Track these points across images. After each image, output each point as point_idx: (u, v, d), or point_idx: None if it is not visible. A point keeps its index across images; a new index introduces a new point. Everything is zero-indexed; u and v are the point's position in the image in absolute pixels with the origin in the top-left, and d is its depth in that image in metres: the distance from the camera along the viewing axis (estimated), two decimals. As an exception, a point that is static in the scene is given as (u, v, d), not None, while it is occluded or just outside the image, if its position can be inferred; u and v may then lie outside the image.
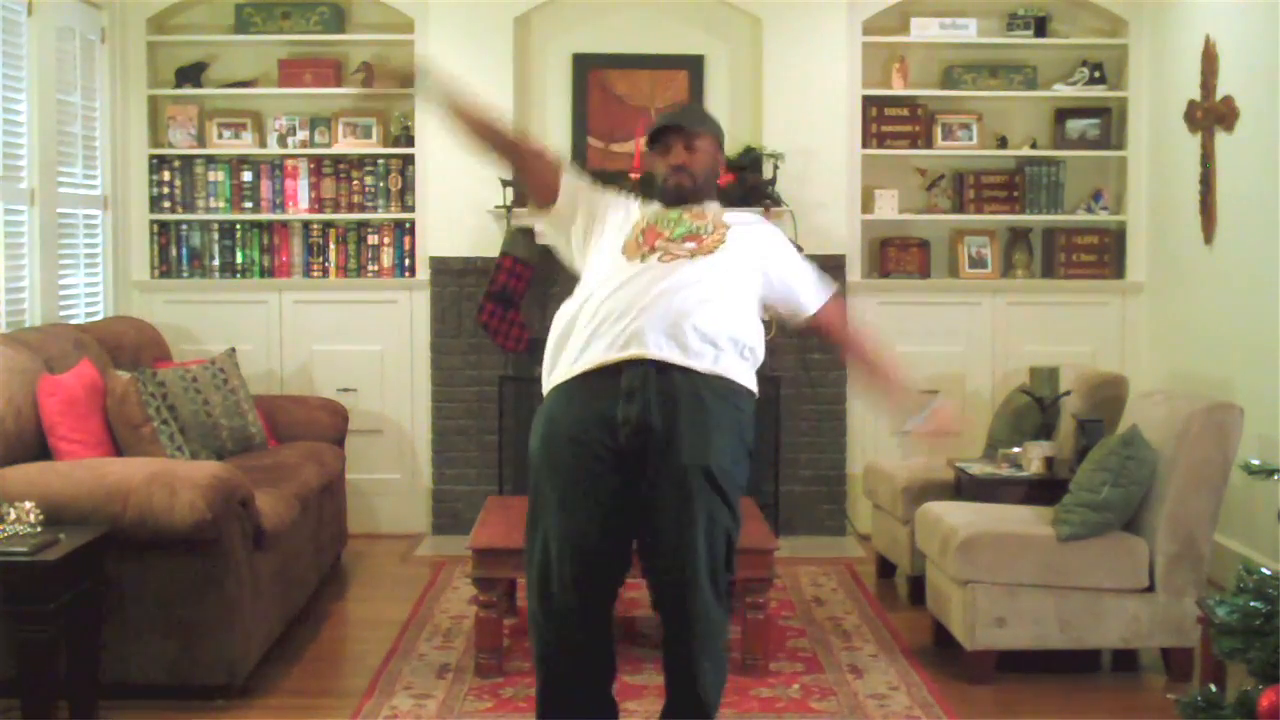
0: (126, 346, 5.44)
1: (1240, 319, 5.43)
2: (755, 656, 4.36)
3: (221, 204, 6.54)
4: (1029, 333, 6.52)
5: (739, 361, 3.27)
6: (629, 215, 3.45)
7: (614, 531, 3.22)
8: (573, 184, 3.50)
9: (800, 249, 6.10)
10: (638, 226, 3.38)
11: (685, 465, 3.15)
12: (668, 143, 3.45)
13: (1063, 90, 6.56)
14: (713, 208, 3.47)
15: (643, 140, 3.56)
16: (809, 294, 3.50)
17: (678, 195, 3.42)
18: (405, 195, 6.52)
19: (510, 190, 6.23)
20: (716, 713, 3.33)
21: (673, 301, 3.19)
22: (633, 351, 3.16)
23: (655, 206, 3.46)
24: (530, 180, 3.57)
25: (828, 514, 6.46)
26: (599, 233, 3.43)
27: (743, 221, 3.49)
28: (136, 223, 6.47)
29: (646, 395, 3.15)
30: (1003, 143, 6.57)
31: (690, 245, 3.32)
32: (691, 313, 3.19)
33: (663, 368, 3.17)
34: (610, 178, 3.66)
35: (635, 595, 4.81)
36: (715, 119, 3.62)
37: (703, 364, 3.20)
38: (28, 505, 3.77)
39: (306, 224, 6.55)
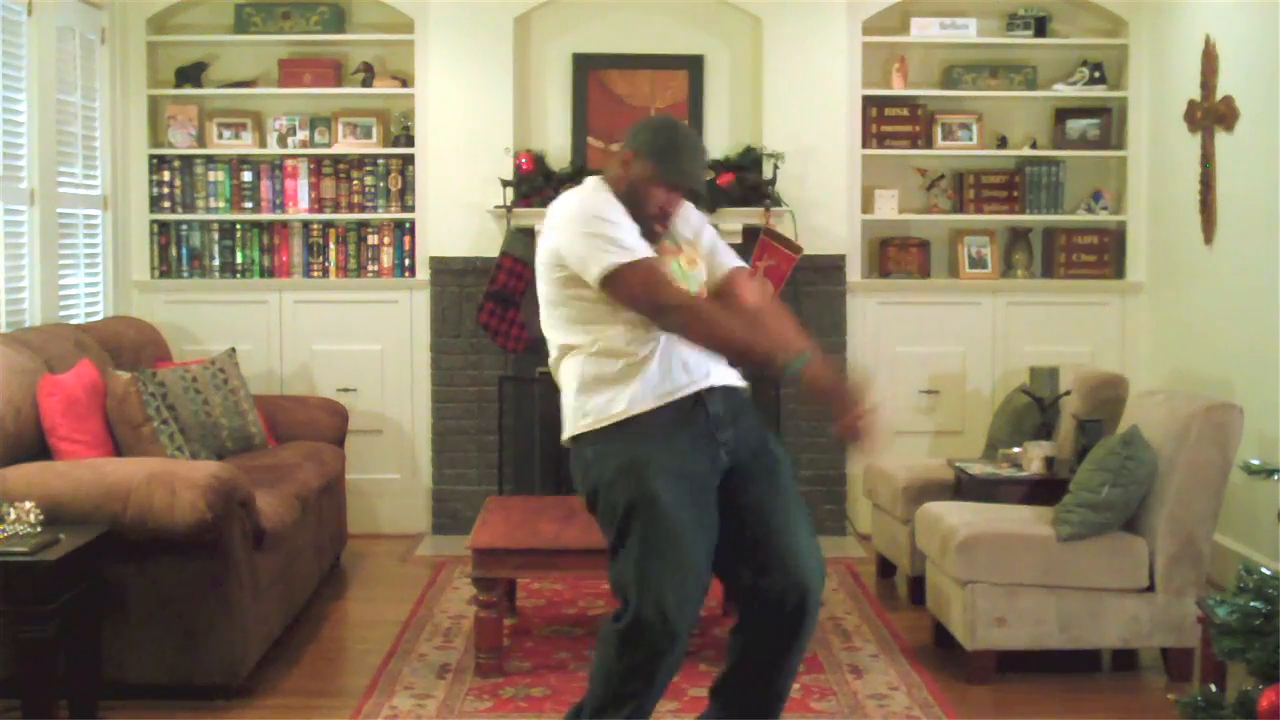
0: (126, 346, 5.44)
1: (1240, 319, 5.43)
2: (755, 656, 4.35)
3: (221, 204, 6.55)
4: (1029, 333, 6.52)
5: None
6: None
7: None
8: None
9: (800, 250, 6.19)
10: None
11: (785, 464, 3.36)
12: (678, 197, 3.32)
13: (1063, 90, 6.56)
14: (682, 236, 3.37)
15: (643, 160, 3.27)
16: (729, 256, 3.48)
17: (655, 238, 3.31)
18: (405, 195, 6.52)
19: (510, 190, 6.24)
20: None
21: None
22: (705, 383, 3.22)
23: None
24: None
25: (828, 514, 6.46)
26: None
27: (692, 230, 3.42)
28: (136, 223, 6.47)
29: (735, 418, 3.27)
30: (1003, 143, 6.57)
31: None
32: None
33: (724, 389, 3.27)
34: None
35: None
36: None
37: (737, 380, 3.34)
38: (28, 505, 3.77)
39: (306, 224, 6.55)
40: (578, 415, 3.25)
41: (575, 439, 3.27)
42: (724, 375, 3.28)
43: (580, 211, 3.25)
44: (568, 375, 3.29)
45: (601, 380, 3.21)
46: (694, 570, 3.14)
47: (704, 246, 3.40)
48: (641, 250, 3.17)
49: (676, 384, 3.20)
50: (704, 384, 3.22)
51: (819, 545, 3.35)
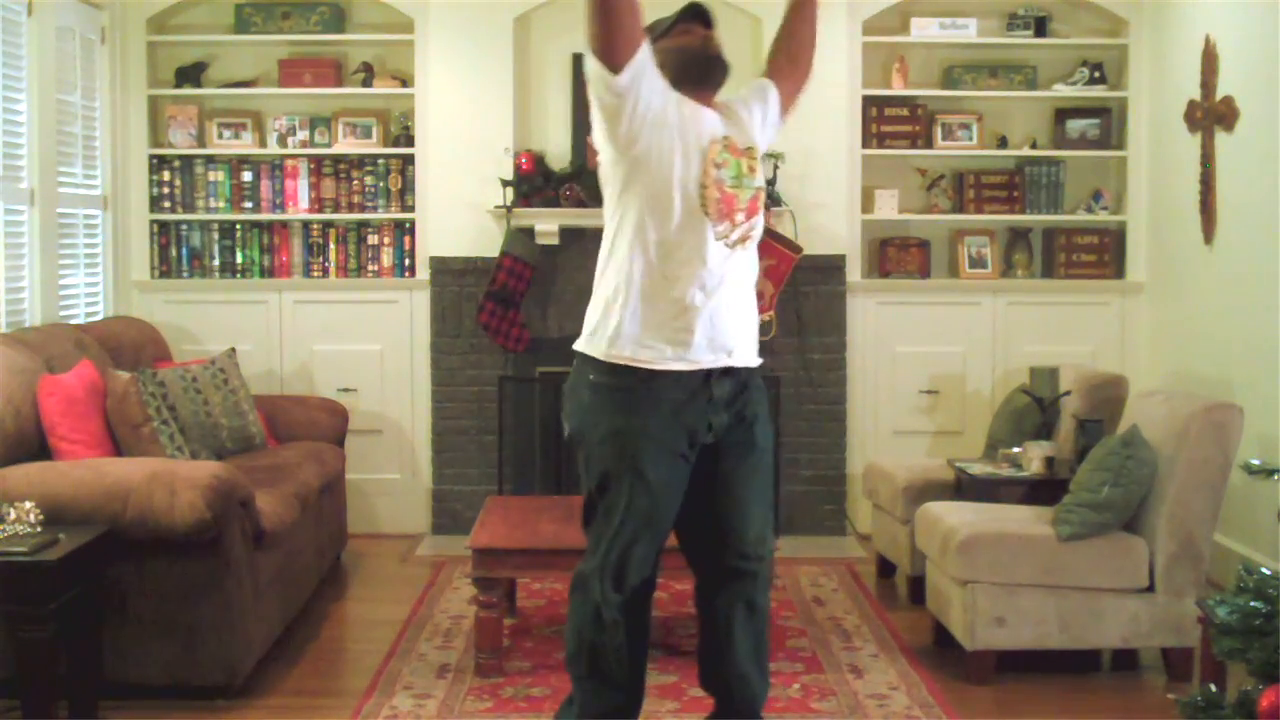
0: (126, 346, 5.44)
1: (1240, 319, 5.43)
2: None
3: (221, 204, 6.55)
4: (1029, 333, 6.52)
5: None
6: (693, 120, 3.22)
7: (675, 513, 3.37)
8: (646, 59, 3.13)
9: (800, 250, 6.18)
10: (713, 160, 3.21)
11: (762, 449, 3.37)
12: (688, 24, 3.30)
13: (1063, 90, 6.56)
14: (735, 124, 3.35)
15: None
16: (769, 93, 3.54)
17: (714, 89, 3.33)
18: (405, 195, 6.52)
19: (510, 190, 6.24)
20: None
21: (742, 299, 3.32)
22: (723, 362, 3.26)
23: (710, 124, 3.26)
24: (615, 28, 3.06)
25: (828, 514, 6.46)
26: (658, 138, 3.17)
27: (747, 115, 3.42)
28: (136, 223, 6.47)
29: (732, 400, 3.31)
30: (1003, 143, 6.57)
31: (751, 224, 3.30)
32: (750, 309, 3.36)
33: (739, 370, 3.32)
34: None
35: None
36: None
37: (756, 358, 3.39)
38: (28, 505, 3.77)
39: (306, 224, 6.55)
40: (599, 330, 3.26)
41: (585, 357, 3.29)
42: (744, 356, 3.33)
43: None
44: (613, 275, 3.25)
45: (635, 318, 3.21)
46: (661, 535, 3.33)
47: (760, 138, 3.41)
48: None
49: (698, 358, 3.23)
50: (721, 364, 3.26)
51: (769, 529, 3.43)
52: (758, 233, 3.35)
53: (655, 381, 3.21)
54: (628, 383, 3.22)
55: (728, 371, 3.28)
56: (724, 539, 3.35)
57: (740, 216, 3.26)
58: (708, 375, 3.25)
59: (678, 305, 3.20)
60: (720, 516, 3.35)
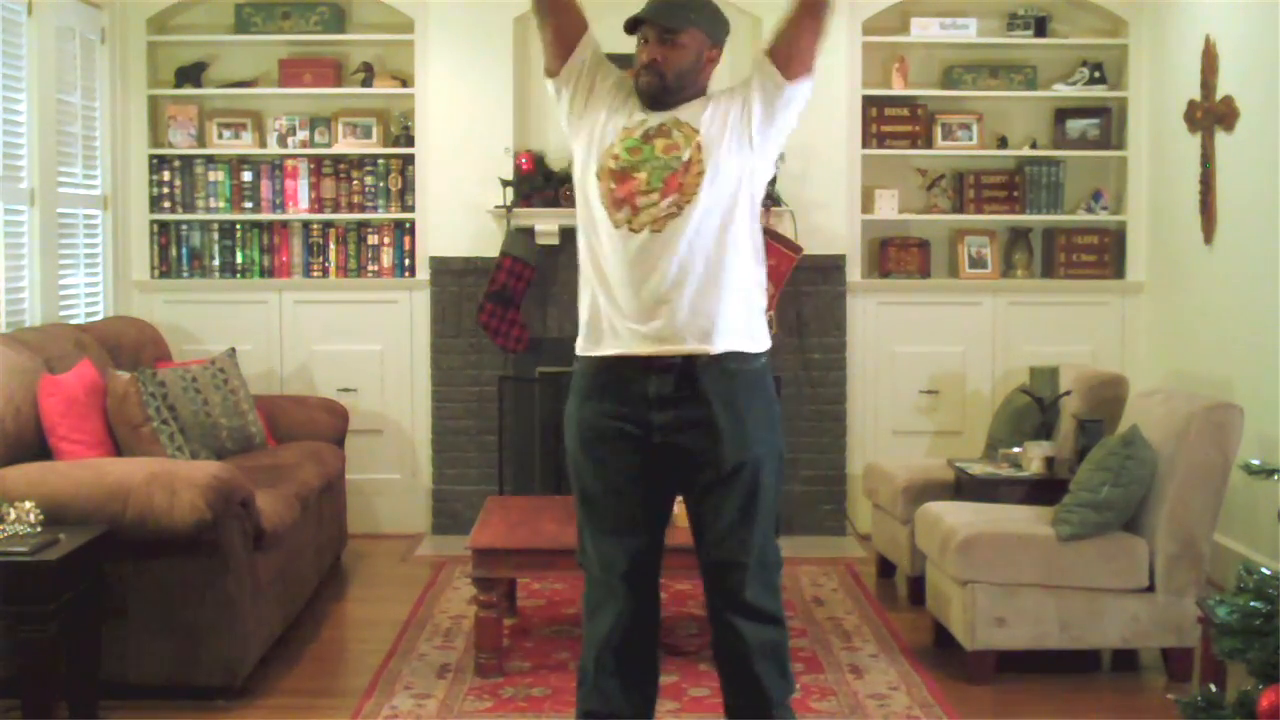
0: (126, 346, 5.44)
1: (1240, 319, 5.43)
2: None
3: (221, 204, 6.55)
4: (1029, 333, 6.52)
5: (748, 322, 3.15)
6: (612, 118, 3.24)
7: (648, 509, 3.23)
8: (587, 53, 3.36)
9: (800, 250, 6.17)
10: (610, 153, 3.15)
11: (729, 461, 3.10)
12: (642, 35, 3.26)
13: (1063, 90, 6.56)
14: (688, 113, 3.18)
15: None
16: (774, 75, 3.33)
17: (649, 97, 3.20)
18: (405, 195, 6.52)
19: (510, 190, 6.24)
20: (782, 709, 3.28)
21: (685, 285, 3.06)
22: (659, 349, 3.06)
23: (635, 117, 3.21)
24: (552, 29, 3.37)
25: (828, 514, 6.46)
26: (588, 124, 3.29)
27: (715, 107, 3.22)
28: (136, 223, 6.47)
29: (678, 400, 3.09)
30: (1003, 143, 6.57)
31: (670, 200, 3.07)
32: (703, 292, 3.07)
33: (688, 361, 3.07)
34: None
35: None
36: (712, 6, 3.37)
37: (721, 344, 3.09)
38: (28, 505, 3.77)
39: (306, 224, 6.55)
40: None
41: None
42: (693, 342, 3.07)
43: None
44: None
45: (582, 314, 3.22)
46: (611, 534, 3.19)
47: (742, 131, 3.18)
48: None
49: (627, 347, 3.10)
50: (654, 351, 3.07)
51: (760, 566, 3.19)
52: (700, 207, 3.06)
53: (597, 367, 3.15)
54: (581, 371, 3.21)
55: (669, 365, 3.07)
56: (706, 580, 3.26)
57: (652, 197, 3.05)
58: (646, 364, 3.08)
59: (592, 302, 3.16)
60: (702, 557, 3.24)
